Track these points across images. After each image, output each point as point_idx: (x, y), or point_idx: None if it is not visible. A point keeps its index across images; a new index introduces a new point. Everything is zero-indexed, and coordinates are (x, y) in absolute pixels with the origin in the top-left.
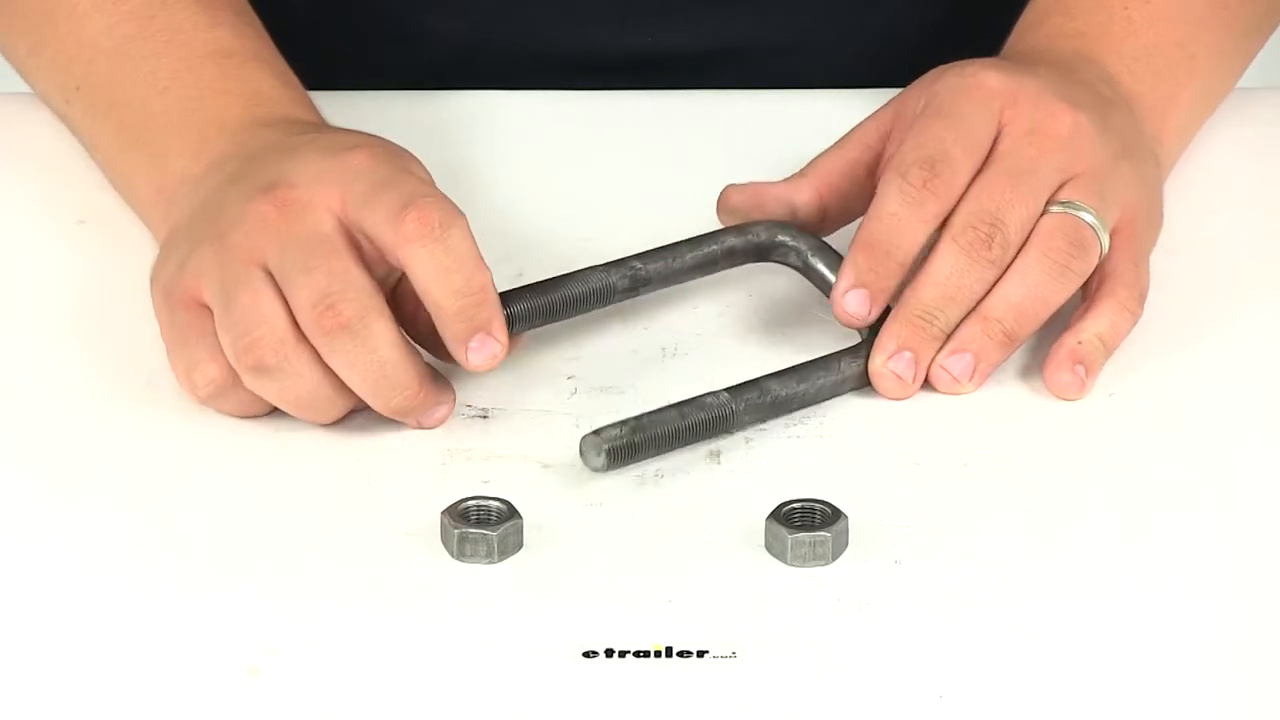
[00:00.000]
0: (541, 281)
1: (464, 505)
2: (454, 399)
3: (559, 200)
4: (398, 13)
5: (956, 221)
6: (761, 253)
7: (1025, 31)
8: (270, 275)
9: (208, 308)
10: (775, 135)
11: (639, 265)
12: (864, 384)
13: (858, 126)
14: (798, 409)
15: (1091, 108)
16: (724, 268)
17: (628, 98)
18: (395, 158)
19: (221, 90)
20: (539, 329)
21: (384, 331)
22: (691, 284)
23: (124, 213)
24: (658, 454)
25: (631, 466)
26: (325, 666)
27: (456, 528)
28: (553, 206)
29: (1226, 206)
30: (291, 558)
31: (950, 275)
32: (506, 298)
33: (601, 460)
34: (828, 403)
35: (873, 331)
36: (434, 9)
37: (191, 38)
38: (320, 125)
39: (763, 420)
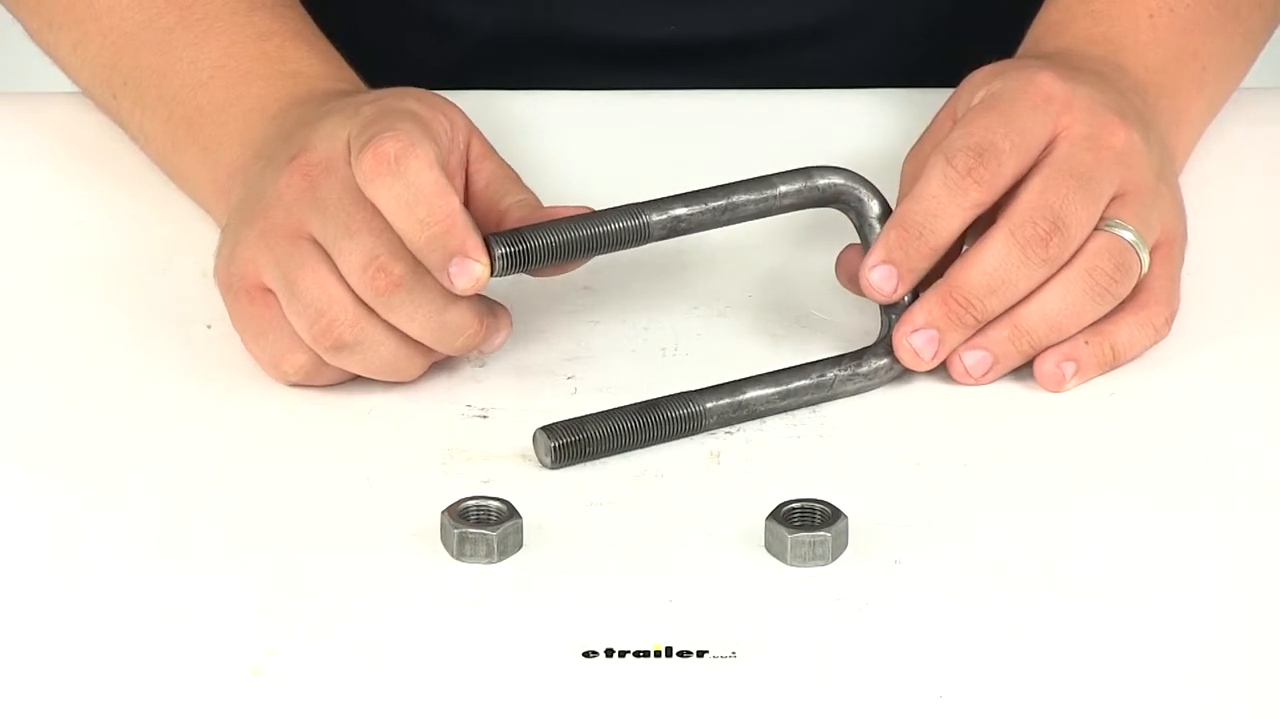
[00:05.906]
0: (564, 219)
1: (464, 505)
2: (510, 321)
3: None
4: (430, 3)
5: (1016, 214)
6: (824, 200)
7: (1051, 32)
8: (320, 245)
9: (271, 292)
10: (802, 134)
11: (681, 211)
12: (847, 394)
13: (915, 151)
14: (771, 415)
15: (1138, 124)
16: (779, 213)
17: (650, 96)
18: (403, 101)
19: (262, 75)
20: (540, 322)
21: (436, 282)
22: (692, 285)
23: (130, 209)
24: (612, 453)
25: (631, 466)
26: (325, 666)
27: (456, 528)
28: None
29: (1227, 207)
30: (291, 558)
31: (999, 268)
32: (524, 234)
33: (549, 459)
34: (827, 402)
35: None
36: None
37: (230, 24)
38: (359, 93)
39: (732, 424)
